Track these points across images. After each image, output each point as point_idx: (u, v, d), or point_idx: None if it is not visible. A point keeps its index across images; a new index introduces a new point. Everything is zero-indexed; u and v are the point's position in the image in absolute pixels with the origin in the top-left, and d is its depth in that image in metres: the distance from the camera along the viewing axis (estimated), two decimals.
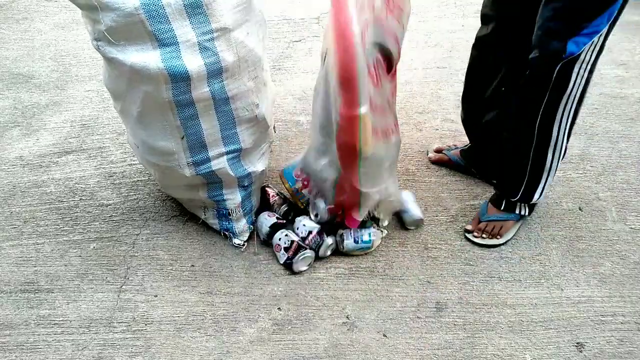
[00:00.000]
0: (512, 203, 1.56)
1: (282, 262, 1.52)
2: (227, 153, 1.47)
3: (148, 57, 1.24)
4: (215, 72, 1.32)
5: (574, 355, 1.33)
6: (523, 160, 1.44)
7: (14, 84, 2.31)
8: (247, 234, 1.61)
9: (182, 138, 1.39)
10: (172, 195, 1.69)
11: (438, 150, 1.91)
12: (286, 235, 1.54)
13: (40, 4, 2.89)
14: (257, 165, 1.56)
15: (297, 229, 1.57)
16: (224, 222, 1.59)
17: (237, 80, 1.38)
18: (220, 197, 1.54)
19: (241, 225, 1.59)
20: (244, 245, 1.59)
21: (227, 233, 1.60)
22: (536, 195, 1.51)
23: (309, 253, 1.51)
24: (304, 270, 1.53)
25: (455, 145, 1.86)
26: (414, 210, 1.64)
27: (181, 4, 1.22)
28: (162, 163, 1.47)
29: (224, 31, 1.30)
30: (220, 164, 1.46)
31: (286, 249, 1.51)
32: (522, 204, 1.56)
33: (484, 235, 1.59)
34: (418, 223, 1.65)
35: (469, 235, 1.61)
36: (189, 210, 1.68)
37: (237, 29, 1.33)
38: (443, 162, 1.86)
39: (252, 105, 1.45)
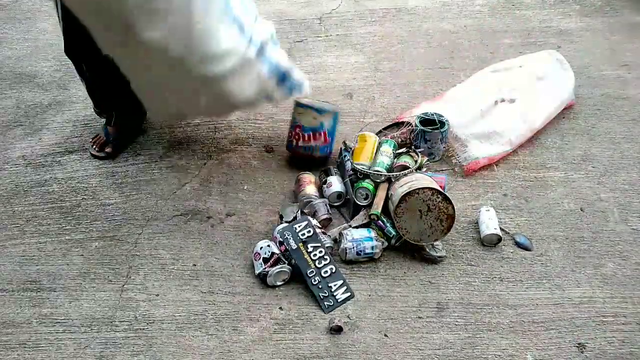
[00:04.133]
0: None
1: (257, 272, 1.48)
2: None
3: None
4: None
5: (576, 356, 1.33)
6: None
7: (17, 83, 2.32)
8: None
9: None
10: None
11: None
12: (268, 245, 1.52)
13: (44, 3, 2.89)
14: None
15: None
16: None
17: None
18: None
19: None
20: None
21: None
22: None
23: (286, 268, 1.47)
24: (279, 286, 1.49)
25: None
26: (486, 228, 1.59)
27: None
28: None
29: None
30: None
31: (265, 260, 1.48)
32: None
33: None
34: (492, 239, 1.59)
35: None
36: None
37: None
38: None
39: None
